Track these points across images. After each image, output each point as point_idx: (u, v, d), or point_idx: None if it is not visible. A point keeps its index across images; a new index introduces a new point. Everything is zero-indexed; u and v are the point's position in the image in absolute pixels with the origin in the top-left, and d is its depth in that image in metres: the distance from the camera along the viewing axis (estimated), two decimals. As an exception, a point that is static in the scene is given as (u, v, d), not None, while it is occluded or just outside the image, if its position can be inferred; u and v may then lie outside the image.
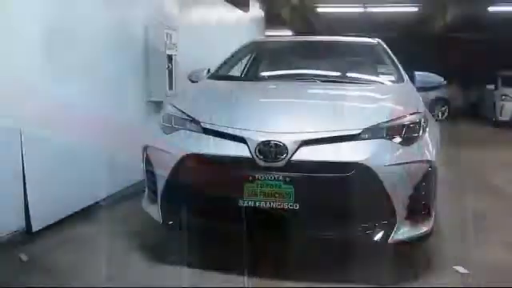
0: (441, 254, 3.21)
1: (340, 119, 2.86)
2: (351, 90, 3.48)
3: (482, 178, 5.67)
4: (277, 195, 2.61)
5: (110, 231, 3.48)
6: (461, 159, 6.53)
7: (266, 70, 4.40)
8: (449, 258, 3.13)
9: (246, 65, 4.75)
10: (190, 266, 2.87)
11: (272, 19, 12.46)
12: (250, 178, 2.63)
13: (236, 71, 4.46)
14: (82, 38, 3.90)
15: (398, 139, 2.78)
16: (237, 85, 3.82)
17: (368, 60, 4.26)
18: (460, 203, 4.26)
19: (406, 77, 3.81)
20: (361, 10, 13.11)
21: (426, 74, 4.00)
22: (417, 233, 2.77)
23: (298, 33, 15.59)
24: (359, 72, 4.03)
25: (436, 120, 13.44)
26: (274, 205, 2.62)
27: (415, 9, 12.55)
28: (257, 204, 2.63)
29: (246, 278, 2.74)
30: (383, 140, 2.76)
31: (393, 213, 2.65)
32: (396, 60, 4.09)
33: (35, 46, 3.39)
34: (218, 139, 2.79)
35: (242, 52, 4.44)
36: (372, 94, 3.37)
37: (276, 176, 2.60)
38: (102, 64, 4.22)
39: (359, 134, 2.73)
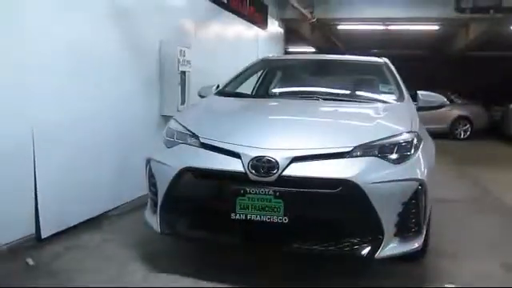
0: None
1: (332, 137, 2.96)
2: (350, 108, 3.57)
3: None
4: (267, 209, 2.71)
5: (114, 240, 3.63)
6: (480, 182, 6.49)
7: (273, 88, 4.53)
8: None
9: (257, 81, 4.91)
10: (183, 275, 2.99)
11: (293, 36, 12.68)
12: (242, 191, 2.74)
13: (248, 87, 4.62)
14: (101, 56, 4.15)
15: (389, 157, 2.86)
16: (239, 101, 3.95)
17: (372, 79, 4.33)
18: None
19: (407, 96, 3.88)
20: (381, 27, 13.17)
21: (428, 93, 4.05)
22: (406, 249, 2.82)
23: (319, 49, 15.78)
24: (362, 90, 4.11)
25: (458, 139, 13.34)
26: (264, 218, 2.71)
27: (436, 27, 12.53)
28: (248, 217, 2.74)
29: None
30: (374, 158, 2.83)
31: (380, 229, 2.71)
32: (399, 79, 4.16)
33: (61, 67, 3.69)
34: (214, 154, 2.92)
35: (251, 69, 4.58)
36: (369, 113, 3.45)
37: (266, 190, 2.71)
38: (119, 80, 4.45)
39: (350, 151, 2.81)
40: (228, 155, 2.86)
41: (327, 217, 2.73)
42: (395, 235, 2.78)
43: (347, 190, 2.67)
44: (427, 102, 3.99)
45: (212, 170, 2.86)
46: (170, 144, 3.19)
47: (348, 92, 4.10)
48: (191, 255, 3.46)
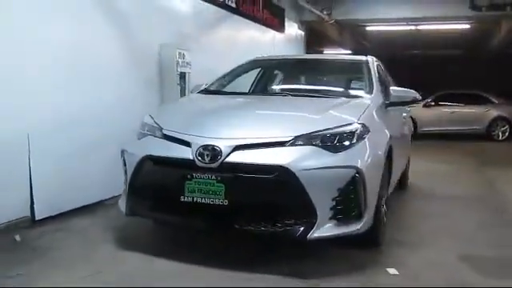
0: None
1: (276, 128, 3.21)
2: (309, 103, 3.79)
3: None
4: (210, 192, 2.99)
5: (101, 224, 4.02)
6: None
7: (254, 85, 4.78)
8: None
9: (254, 80, 5.19)
10: (145, 252, 3.32)
11: (321, 38, 12.85)
12: (190, 176, 3.03)
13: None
14: (104, 57, 4.67)
15: (328, 146, 3.06)
16: (213, 99, 4.23)
17: (348, 76, 4.51)
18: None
19: (375, 91, 4.03)
20: (411, 27, 13.07)
21: (401, 89, 4.20)
22: (342, 231, 3.01)
23: (352, 50, 15.81)
24: (333, 86, 4.32)
25: (496, 140, 12.90)
26: (208, 201, 3.00)
27: (467, 26, 12.29)
28: (195, 199, 3.03)
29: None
30: (312, 147, 3.05)
31: (313, 212, 2.92)
32: (374, 76, 4.28)
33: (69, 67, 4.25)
34: (172, 143, 3.23)
35: (240, 68, 4.84)
36: (325, 106, 3.62)
37: (210, 175, 2.99)
38: (119, 80, 4.89)
39: (289, 141, 3.05)
40: (182, 144, 3.17)
41: (264, 200, 2.98)
42: (331, 218, 2.98)
43: (282, 175, 2.90)
44: (399, 98, 4.14)
45: (167, 157, 3.19)
46: (140, 136, 3.54)
47: (319, 88, 4.32)
48: (167, 238, 3.78)
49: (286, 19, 9.46)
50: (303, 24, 10.51)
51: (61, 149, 4.21)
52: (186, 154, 3.10)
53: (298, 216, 2.96)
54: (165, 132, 3.34)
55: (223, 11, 7.03)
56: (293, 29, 10.05)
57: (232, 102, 4.07)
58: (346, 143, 3.11)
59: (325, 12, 9.82)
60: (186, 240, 3.67)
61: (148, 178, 3.27)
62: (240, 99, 4.19)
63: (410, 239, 3.87)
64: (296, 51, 10.07)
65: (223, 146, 3.02)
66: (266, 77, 4.85)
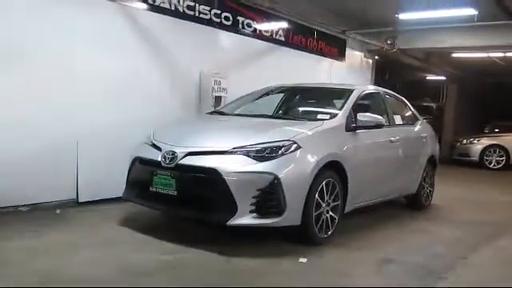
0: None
1: (223, 140, 4.20)
2: (266, 123, 4.73)
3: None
4: (167, 185, 4.09)
5: (121, 209, 5.30)
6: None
7: (243, 108, 5.61)
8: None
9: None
10: (133, 228, 4.53)
11: (402, 66, 13.19)
12: (156, 172, 4.17)
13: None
14: (153, 83, 6.20)
15: (255, 156, 3.97)
16: (208, 118, 5.33)
17: (330, 101, 5.27)
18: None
19: (340, 116, 4.78)
20: (501, 55, 12.72)
21: (367, 114, 4.89)
22: (261, 222, 3.89)
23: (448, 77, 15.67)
24: (306, 111, 5.16)
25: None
26: (165, 192, 4.10)
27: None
28: (157, 190, 4.15)
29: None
30: (244, 156, 3.99)
31: (234, 205, 3.84)
32: (349, 103, 5.00)
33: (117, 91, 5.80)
34: (152, 149, 4.41)
35: (252, 94, 5.90)
36: (280, 126, 4.54)
37: (167, 173, 4.10)
38: (164, 101, 6.31)
39: (228, 150, 4.02)
40: (157, 150, 4.33)
41: (200, 193, 4.00)
42: (251, 211, 3.87)
43: (213, 175, 3.89)
44: (364, 122, 4.85)
45: (146, 158, 4.37)
46: (142, 143, 4.77)
47: (296, 111, 5.23)
48: (156, 221, 4.90)
49: (347, 48, 10.17)
50: (371, 52, 11.07)
51: (104, 151, 5.63)
52: (157, 156, 4.24)
53: (222, 207, 3.90)
54: (152, 141, 4.53)
55: (271, 44, 8.11)
56: (356, 57, 10.69)
57: (214, 120, 5.15)
58: (272, 155, 3.99)
59: (388, 41, 10.31)
60: (167, 223, 4.86)
61: (135, 173, 4.49)
62: (222, 118, 5.25)
63: (353, 244, 4.51)
64: (360, 79, 10.65)
65: (179, 151, 4.11)
66: (258, 102, 5.76)
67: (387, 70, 14.61)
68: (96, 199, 5.56)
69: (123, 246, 4.05)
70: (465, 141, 13.63)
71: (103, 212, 5.21)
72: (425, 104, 17.92)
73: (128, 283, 3.27)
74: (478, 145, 13.30)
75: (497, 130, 14.12)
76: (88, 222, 4.77)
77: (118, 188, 5.03)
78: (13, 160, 4.85)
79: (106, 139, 5.62)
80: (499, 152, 13.01)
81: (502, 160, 12.96)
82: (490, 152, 13.12)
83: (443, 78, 16.22)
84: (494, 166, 13.01)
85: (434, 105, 17.97)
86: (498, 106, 16.86)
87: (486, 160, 13.11)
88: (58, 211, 5.06)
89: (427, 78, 17.06)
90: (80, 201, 5.44)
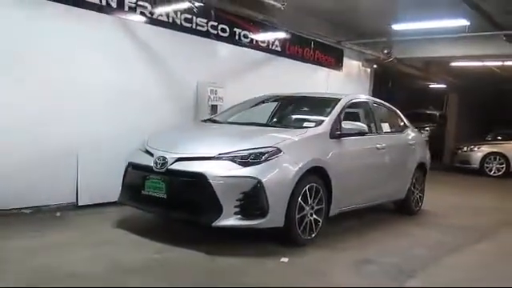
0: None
1: (210, 147, 4.45)
2: (258, 131, 4.96)
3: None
4: (158, 188, 4.35)
5: (118, 213, 5.56)
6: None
7: (236, 116, 5.85)
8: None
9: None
10: (128, 230, 4.79)
11: (396, 74, 13.41)
12: (147, 177, 4.43)
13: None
14: (151, 92, 6.50)
15: (239, 161, 4.22)
16: (201, 125, 5.60)
17: (319, 110, 5.49)
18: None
19: (325, 124, 5.02)
20: (498, 63, 12.87)
21: (350, 122, 5.13)
22: (245, 223, 4.13)
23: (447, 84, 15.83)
24: (294, 120, 5.42)
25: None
26: (156, 195, 4.36)
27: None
28: (149, 193, 4.41)
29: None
30: (229, 161, 4.24)
31: (220, 207, 4.08)
32: (334, 112, 5.23)
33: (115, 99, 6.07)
34: (145, 154, 4.68)
35: (245, 103, 6.16)
36: (266, 134, 4.79)
37: (158, 177, 4.36)
38: (162, 109, 6.59)
39: (214, 156, 4.28)
40: (149, 155, 4.59)
41: (188, 196, 4.25)
42: (236, 213, 4.11)
43: (200, 179, 4.14)
44: (348, 130, 5.09)
45: (139, 164, 4.63)
46: (137, 149, 5.04)
47: (285, 119, 5.51)
48: (151, 224, 5.17)
49: (345, 58, 10.42)
50: (368, 62, 11.29)
51: (104, 157, 5.90)
52: (149, 162, 4.50)
53: (209, 209, 4.15)
54: (146, 147, 4.79)
55: (268, 54, 8.38)
56: (353, 67, 10.92)
57: (206, 128, 5.41)
58: (256, 160, 4.23)
59: (385, 51, 10.54)
60: (160, 225, 5.12)
61: (129, 177, 4.75)
62: (214, 126, 5.51)
63: (337, 245, 4.73)
64: (358, 88, 10.83)
65: (170, 157, 4.37)
66: (250, 110, 6.00)
67: (390, 79, 14.81)
68: (95, 203, 5.83)
69: (116, 246, 4.30)
70: (465, 148, 13.77)
71: (101, 215, 5.47)
72: (428, 112, 18.15)
73: (117, 279, 3.51)
74: (479, 152, 13.43)
75: (499, 138, 14.22)
76: (86, 224, 5.04)
77: (116, 192, 5.25)
78: (16, 165, 5.15)
79: (105, 146, 5.90)
80: (499, 159, 13.14)
81: (502, 167, 13.07)
82: (490, 159, 13.25)
83: (444, 86, 16.37)
84: (494, 173, 13.14)
85: (437, 113, 18.14)
86: (499, 113, 16.97)
87: (487, 167, 13.24)
88: (58, 214, 5.33)
89: (430, 86, 17.21)
90: (79, 204, 5.72)
